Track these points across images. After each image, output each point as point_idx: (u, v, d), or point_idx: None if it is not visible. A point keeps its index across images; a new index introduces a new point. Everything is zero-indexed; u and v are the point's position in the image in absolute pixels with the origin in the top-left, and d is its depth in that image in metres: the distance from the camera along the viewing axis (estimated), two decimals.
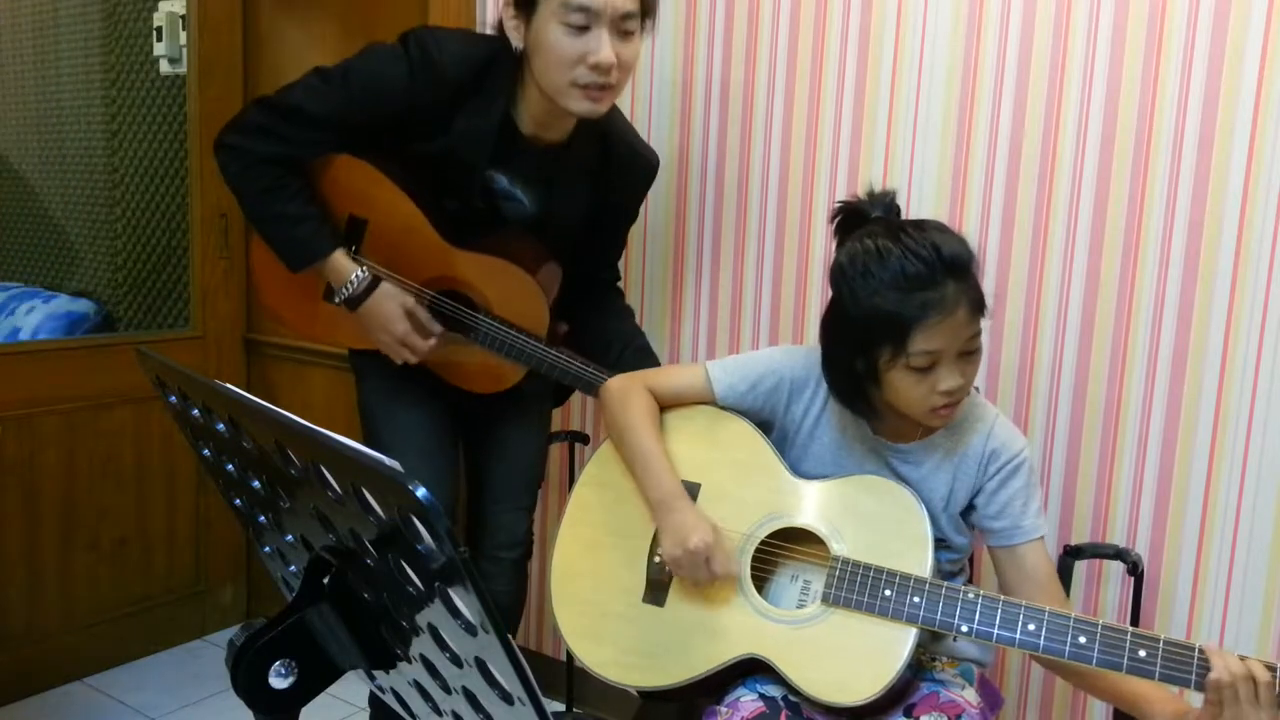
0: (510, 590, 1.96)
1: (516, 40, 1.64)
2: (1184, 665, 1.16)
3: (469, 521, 1.97)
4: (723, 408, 1.51)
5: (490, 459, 1.92)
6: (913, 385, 1.31)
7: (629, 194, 1.87)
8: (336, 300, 1.72)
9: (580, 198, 1.78)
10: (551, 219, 1.78)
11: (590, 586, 1.47)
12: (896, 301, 1.27)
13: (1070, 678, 1.39)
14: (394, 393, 1.83)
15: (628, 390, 1.52)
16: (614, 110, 1.77)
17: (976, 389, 1.48)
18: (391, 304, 1.71)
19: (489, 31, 1.74)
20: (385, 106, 1.65)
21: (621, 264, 1.99)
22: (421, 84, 1.63)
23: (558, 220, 1.78)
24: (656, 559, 1.44)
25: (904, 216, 1.40)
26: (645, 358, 1.84)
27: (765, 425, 1.50)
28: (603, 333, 1.88)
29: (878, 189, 1.40)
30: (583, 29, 1.57)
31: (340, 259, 1.70)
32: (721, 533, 1.39)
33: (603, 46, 1.57)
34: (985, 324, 1.36)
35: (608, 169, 1.78)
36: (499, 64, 1.66)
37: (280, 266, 1.73)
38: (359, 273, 1.70)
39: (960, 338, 1.29)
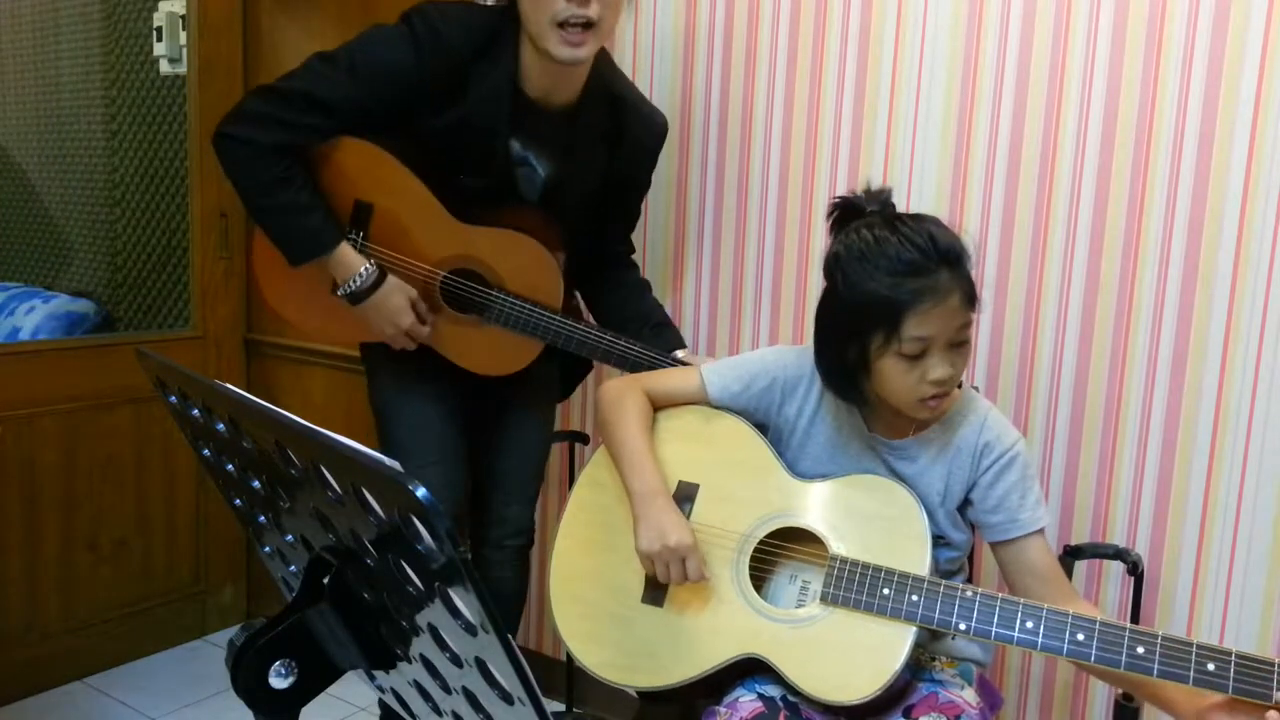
0: (514, 578, 1.97)
1: None
2: (1181, 661, 1.16)
3: (473, 512, 1.97)
4: (718, 409, 1.51)
5: (498, 450, 1.93)
6: (902, 374, 1.31)
7: (641, 157, 1.86)
8: (340, 294, 1.71)
9: (594, 163, 1.78)
10: (566, 185, 1.77)
11: (589, 587, 1.47)
12: (891, 286, 1.28)
13: (1115, 682, 1.38)
14: (405, 390, 1.83)
15: (622, 391, 1.52)
16: (619, 73, 1.78)
17: (975, 388, 1.48)
18: (399, 298, 1.70)
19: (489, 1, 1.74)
20: (394, 87, 1.64)
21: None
22: (430, 60, 1.62)
23: (572, 187, 1.77)
24: None
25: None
26: (663, 332, 1.84)
27: (760, 426, 1.50)
28: (621, 311, 1.88)
29: (874, 186, 1.41)
30: None
31: (348, 251, 1.69)
32: (700, 539, 1.39)
33: None
34: (985, 320, 1.36)
35: (620, 131, 1.78)
36: (502, 29, 1.65)
37: (283, 264, 1.71)
38: (366, 266, 1.69)
39: (951, 326, 1.30)
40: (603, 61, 1.76)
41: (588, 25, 1.59)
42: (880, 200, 1.38)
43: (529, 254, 1.72)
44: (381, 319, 1.71)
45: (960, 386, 1.46)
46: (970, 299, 1.31)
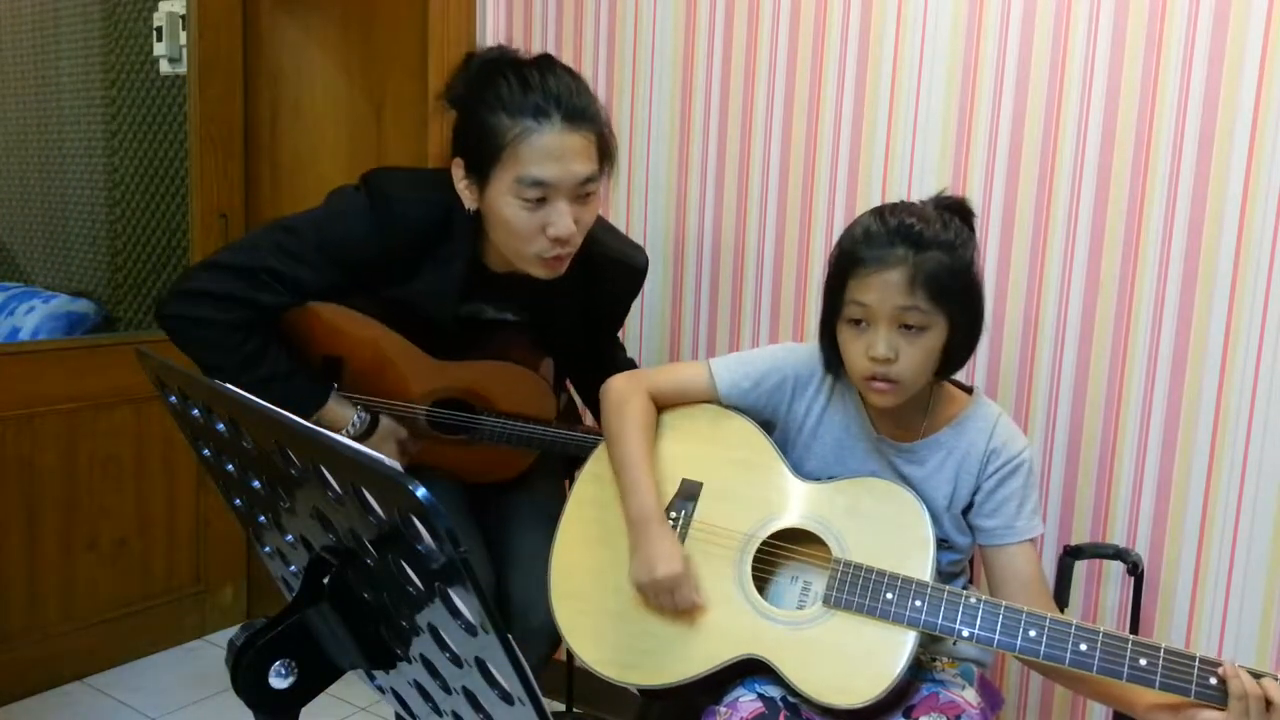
0: (543, 658, 1.83)
1: (469, 202, 1.55)
2: (1184, 674, 1.16)
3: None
4: (726, 406, 1.51)
5: (511, 532, 1.84)
6: (849, 342, 1.36)
7: (620, 298, 1.82)
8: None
9: (570, 311, 1.73)
10: (544, 331, 1.74)
11: (589, 584, 1.47)
12: (848, 248, 1.35)
13: (1063, 681, 1.39)
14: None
15: (626, 394, 1.52)
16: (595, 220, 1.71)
17: (983, 394, 1.48)
18: (389, 446, 1.70)
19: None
20: (358, 261, 1.59)
21: None
22: (390, 238, 1.57)
23: (551, 331, 1.75)
24: None
25: None
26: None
27: (767, 424, 1.50)
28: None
29: (947, 192, 1.41)
30: (540, 201, 1.48)
31: (334, 407, 1.66)
32: (690, 564, 1.39)
33: (561, 219, 1.49)
34: (985, 319, 1.36)
35: (594, 281, 1.71)
36: (460, 210, 1.58)
37: None
38: (358, 416, 1.68)
39: (892, 301, 1.30)
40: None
41: (567, 254, 1.54)
42: (951, 204, 1.39)
43: (515, 377, 1.70)
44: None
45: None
46: (926, 286, 1.29)
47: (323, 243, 1.57)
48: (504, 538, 1.85)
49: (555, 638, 1.77)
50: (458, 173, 1.55)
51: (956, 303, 1.32)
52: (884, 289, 1.31)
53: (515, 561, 1.82)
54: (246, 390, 1.60)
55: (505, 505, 1.85)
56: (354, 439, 1.61)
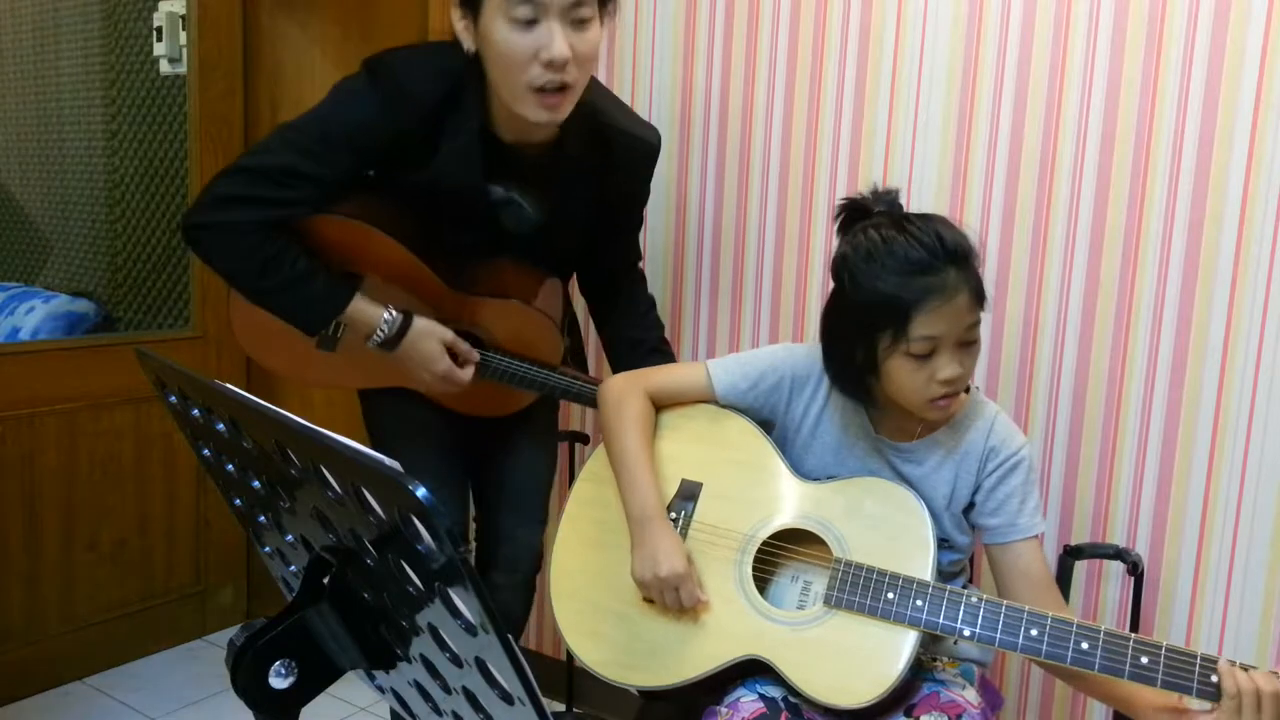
0: (519, 604, 1.91)
1: (468, 43, 1.53)
2: (1185, 672, 1.16)
3: (481, 537, 1.93)
4: (724, 406, 1.51)
5: (503, 474, 1.87)
6: (911, 373, 1.31)
7: (635, 178, 1.77)
8: (372, 344, 1.62)
9: (584, 195, 1.70)
10: (558, 217, 1.70)
11: (590, 584, 1.47)
12: (898, 285, 1.28)
13: (1067, 679, 1.39)
14: (404, 435, 1.78)
15: (624, 394, 1.52)
16: (603, 95, 1.69)
17: (978, 388, 1.48)
18: (431, 342, 1.62)
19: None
20: (369, 146, 1.57)
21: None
22: (398, 115, 1.55)
23: (564, 221, 1.71)
24: None
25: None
26: (654, 361, 1.82)
27: (766, 424, 1.50)
28: (620, 331, 1.86)
29: (880, 187, 1.41)
30: (531, 23, 1.46)
31: (362, 304, 1.60)
32: (694, 563, 1.39)
33: (554, 39, 1.46)
34: (985, 320, 1.36)
35: (608, 160, 1.68)
36: (469, 76, 1.56)
37: (265, 331, 1.64)
38: (389, 313, 1.60)
39: (960, 325, 1.30)
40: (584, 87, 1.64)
41: (563, 88, 1.50)
42: (887, 201, 1.38)
43: (524, 319, 1.70)
44: (415, 365, 1.63)
45: (969, 390, 1.46)
46: (979, 297, 1.32)
47: (330, 133, 1.55)
48: (495, 472, 1.87)
49: (537, 562, 1.90)
50: (455, 15, 1.53)
51: (985, 298, 1.34)
52: (953, 317, 1.29)
53: (504, 496, 1.86)
54: (270, 296, 1.59)
55: (498, 440, 1.85)
56: (388, 340, 1.60)
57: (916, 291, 1.27)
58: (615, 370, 1.86)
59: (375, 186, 1.66)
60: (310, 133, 1.56)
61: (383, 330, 1.61)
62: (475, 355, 1.67)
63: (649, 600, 1.41)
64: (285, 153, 1.55)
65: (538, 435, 1.90)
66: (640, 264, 1.93)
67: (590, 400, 1.69)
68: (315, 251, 1.61)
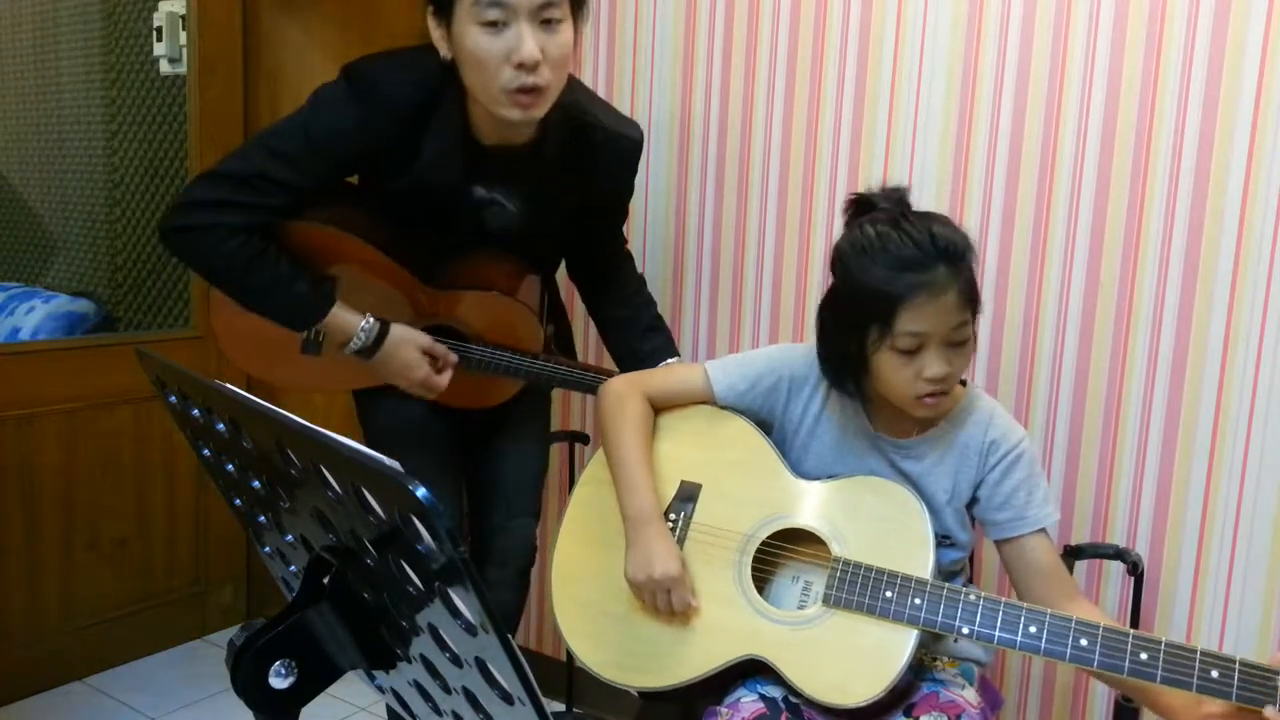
0: (513, 602, 1.92)
1: (444, 50, 1.55)
2: (1185, 668, 1.15)
3: (474, 533, 1.93)
4: (723, 407, 1.51)
5: (494, 467, 1.88)
6: (897, 369, 1.32)
7: (618, 177, 1.77)
8: (349, 351, 1.65)
9: (566, 194, 1.71)
10: (541, 214, 1.71)
11: (590, 586, 1.47)
12: (887, 280, 1.29)
13: (1116, 685, 1.37)
14: (397, 433, 1.79)
15: (623, 396, 1.52)
16: (583, 93, 1.70)
17: (977, 386, 1.48)
18: (408, 350, 1.65)
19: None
20: (350, 153, 1.59)
21: None
22: (376, 122, 1.56)
23: (548, 218, 1.72)
24: None
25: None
26: (653, 338, 1.84)
27: (765, 425, 1.50)
28: (611, 311, 1.87)
29: (890, 184, 1.41)
30: (501, 25, 1.47)
31: (340, 313, 1.62)
32: (688, 566, 1.40)
33: (524, 41, 1.47)
34: (985, 321, 1.36)
35: (591, 159, 1.68)
36: (447, 82, 1.58)
37: (246, 335, 1.66)
38: (367, 321, 1.63)
39: (947, 323, 1.29)
40: (564, 86, 1.64)
41: (536, 88, 1.51)
42: (894, 198, 1.38)
43: (502, 309, 1.70)
44: (393, 372, 1.66)
45: (965, 384, 1.46)
46: (970, 298, 1.31)
47: (311, 140, 1.56)
48: (488, 465, 1.88)
49: (531, 556, 1.90)
50: (431, 24, 1.55)
51: (979, 299, 1.34)
52: (940, 314, 1.29)
53: (497, 488, 1.87)
54: (250, 299, 1.62)
55: (489, 432, 1.86)
56: (365, 347, 1.63)
57: (903, 286, 1.28)
58: (612, 352, 1.88)
59: (353, 190, 1.67)
60: (290, 139, 1.57)
61: (360, 338, 1.63)
62: (453, 358, 1.68)
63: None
64: (265, 159, 1.56)
65: (527, 426, 1.91)
66: (626, 246, 1.94)
67: (577, 385, 1.71)
68: (292, 256, 1.63)
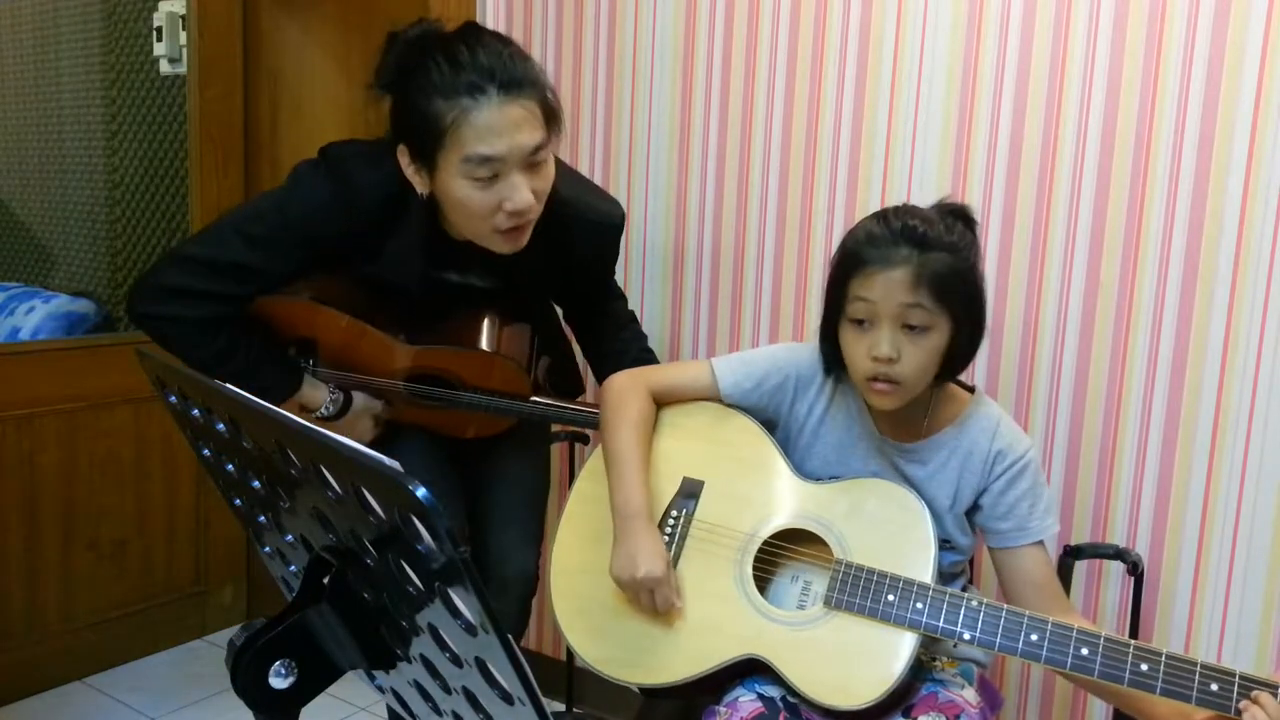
0: (513, 630, 1.88)
1: (421, 188, 1.50)
2: (1185, 680, 1.15)
3: (474, 559, 1.92)
4: (728, 405, 1.51)
5: (493, 493, 1.86)
6: (852, 343, 1.36)
7: (599, 255, 1.75)
8: (314, 417, 1.70)
9: (543, 270, 1.68)
10: (520, 288, 1.70)
11: (590, 582, 1.47)
12: (852, 251, 1.35)
13: (1097, 693, 1.38)
14: (400, 451, 1.77)
15: (625, 391, 1.52)
16: (561, 176, 1.59)
17: (983, 394, 1.48)
18: (364, 421, 1.74)
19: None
20: (323, 234, 1.56)
21: (620, 264, 1.90)
22: (348, 209, 1.55)
23: (527, 290, 1.72)
24: None
25: None
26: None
27: (769, 423, 1.50)
28: (599, 347, 1.86)
29: (950, 198, 1.41)
30: (492, 179, 1.44)
31: (308, 391, 1.69)
32: (670, 566, 1.39)
33: (517, 191, 1.44)
34: (985, 320, 1.36)
35: (569, 241, 1.65)
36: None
37: None
38: (329, 398, 1.70)
39: (895, 298, 1.30)
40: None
41: (527, 223, 1.50)
42: (954, 211, 1.38)
43: (486, 364, 1.69)
44: (353, 437, 1.64)
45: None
46: (930, 285, 1.29)
47: (287, 225, 1.55)
48: (486, 490, 1.86)
49: (532, 585, 1.87)
50: (404, 159, 1.50)
51: (959, 304, 1.32)
52: (888, 286, 1.30)
53: (495, 513, 1.85)
54: (225, 379, 1.60)
55: (487, 457, 1.86)
56: (329, 419, 1.69)
57: (861, 256, 1.33)
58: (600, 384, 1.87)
59: (325, 271, 1.66)
60: (265, 221, 1.56)
61: (326, 410, 1.71)
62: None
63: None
64: (239, 246, 1.55)
65: (526, 453, 1.89)
66: (618, 289, 1.92)
67: (570, 422, 1.72)
68: (267, 327, 1.67)
